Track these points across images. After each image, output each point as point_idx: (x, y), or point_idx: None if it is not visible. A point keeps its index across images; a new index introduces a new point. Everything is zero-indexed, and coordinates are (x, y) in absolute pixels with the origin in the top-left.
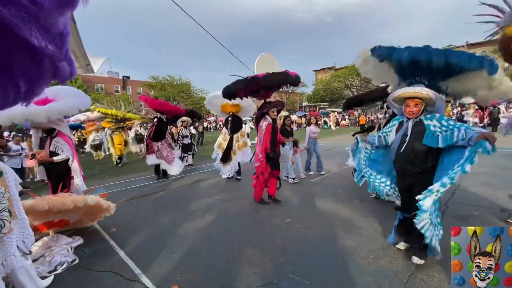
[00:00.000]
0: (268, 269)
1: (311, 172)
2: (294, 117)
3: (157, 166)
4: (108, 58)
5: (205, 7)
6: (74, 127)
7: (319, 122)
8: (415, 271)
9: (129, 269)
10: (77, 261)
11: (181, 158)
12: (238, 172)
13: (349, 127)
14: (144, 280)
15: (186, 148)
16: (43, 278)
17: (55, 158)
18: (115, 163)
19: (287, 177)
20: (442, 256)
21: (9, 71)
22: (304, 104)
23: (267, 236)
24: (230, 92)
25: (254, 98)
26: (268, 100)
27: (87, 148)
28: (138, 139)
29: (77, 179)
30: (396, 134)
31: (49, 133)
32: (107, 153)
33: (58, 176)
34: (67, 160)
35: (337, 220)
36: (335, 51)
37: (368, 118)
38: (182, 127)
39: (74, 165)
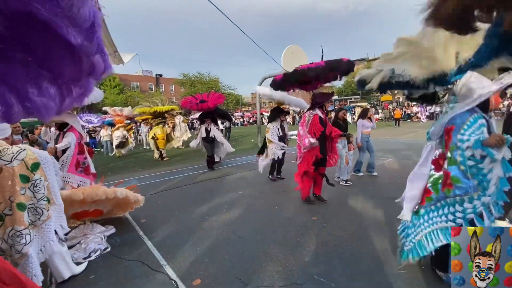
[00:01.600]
0: (292, 269)
1: (361, 174)
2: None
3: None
4: (137, 54)
5: (233, 1)
6: (110, 124)
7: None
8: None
9: (155, 260)
10: (109, 249)
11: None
12: (278, 171)
13: (382, 121)
14: (168, 271)
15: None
16: (78, 264)
17: (58, 146)
18: (156, 157)
19: (339, 178)
20: None
21: (52, 72)
22: (334, 98)
23: (292, 234)
24: (278, 85)
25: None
26: (316, 91)
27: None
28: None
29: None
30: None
31: (61, 128)
32: (148, 147)
33: None
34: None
35: (367, 220)
36: (368, 42)
37: (404, 111)
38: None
39: (68, 157)
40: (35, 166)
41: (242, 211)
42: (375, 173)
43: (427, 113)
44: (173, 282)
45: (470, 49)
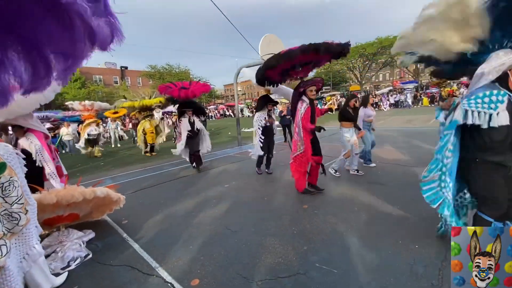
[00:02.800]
0: (292, 259)
1: (373, 165)
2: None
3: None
4: None
5: None
6: (77, 121)
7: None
8: (449, 256)
9: (145, 262)
10: (90, 255)
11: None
12: (268, 164)
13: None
14: (162, 273)
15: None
16: (56, 275)
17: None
18: (143, 152)
19: (349, 167)
20: None
21: (33, 39)
22: None
23: (286, 224)
24: (262, 77)
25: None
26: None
27: (80, 144)
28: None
29: (54, 182)
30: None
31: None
32: (117, 146)
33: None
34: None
35: (357, 205)
36: (337, 33)
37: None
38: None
39: (49, 166)
40: (0, 167)
41: (231, 205)
42: (372, 164)
43: (389, 102)
44: (169, 284)
45: None
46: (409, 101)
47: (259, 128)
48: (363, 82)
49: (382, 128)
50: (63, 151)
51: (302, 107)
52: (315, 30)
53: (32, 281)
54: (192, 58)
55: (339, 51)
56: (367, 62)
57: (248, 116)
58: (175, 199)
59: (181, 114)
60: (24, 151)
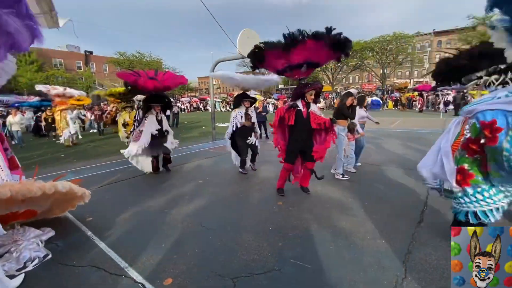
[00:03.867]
0: (268, 255)
1: (358, 164)
2: (271, 100)
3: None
4: (71, 20)
5: None
6: (36, 106)
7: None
8: (412, 249)
9: (113, 262)
10: (50, 256)
11: None
12: (253, 160)
13: (323, 110)
14: (132, 274)
15: None
16: (11, 277)
17: None
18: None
19: (335, 171)
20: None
21: None
22: (280, 86)
23: (261, 221)
24: (259, 55)
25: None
26: (303, 80)
27: (66, 133)
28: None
29: (2, 174)
30: None
31: None
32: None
33: None
34: None
35: (328, 202)
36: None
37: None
38: (139, 110)
39: None
40: None
41: (206, 201)
42: (358, 164)
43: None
44: (139, 285)
45: None
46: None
47: (232, 126)
48: (335, 83)
49: None
50: (13, 142)
51: (287, 107)
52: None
53: None
54: (164, 48)
55: (346, 51)
56: (339, 64)
57: (221, 110)
58: (145, 195)
59: (147, 109)
60: None
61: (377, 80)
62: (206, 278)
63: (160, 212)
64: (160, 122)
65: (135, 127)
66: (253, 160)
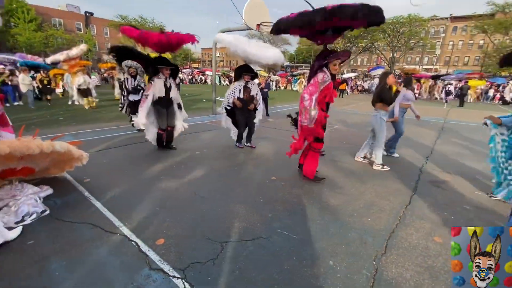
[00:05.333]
0: (257, 224)
1: (396, 155)
2: (275, 77)
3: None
4: None
5: None
6: (33, 66)
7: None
8: (396, 229)
9: (108, 221)
10: (48, 212)
11: (130, 121)
12: (249, 139)
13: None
14: (125, 232)
15: (134, 107)
16: (9, 229)
17: None
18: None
19: (373, 159)
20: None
21: None
22: (285, 64)
23: (254, 193)
24: (286, 26)
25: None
26: (328, 47)
27: (65, 93)
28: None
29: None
30: None
31: None
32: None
33: None
34: None
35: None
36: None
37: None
38: (128, 76)
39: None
40: None
41: (201, 172)
42: (396, 155)
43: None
44: (132, 243)
45: None
46: (374, 87)
47: (228, 99)
48: (342, 64)
49: (352, 111)
50: (20, 103)
51: (324, 80)
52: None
53: None
54: (168, 14)
55: (379, 21)
56: (348, 45)
57: (221, 84)
58: (143, 162)
59: (154, 73)
60: None
61: (385, 64)
62: (196, 241)
63: (156, 178)
64: (168, 89)
65: (123, 95)
66: (249, 139)
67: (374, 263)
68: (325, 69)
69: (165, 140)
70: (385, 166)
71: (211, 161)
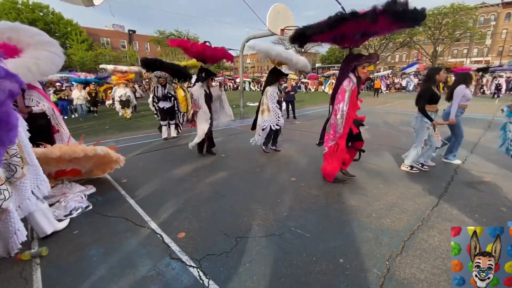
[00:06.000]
0: (272, 222)
1: (457, 161)
2: (305, 80)
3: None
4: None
5: None
6: (85, 82)
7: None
8: (417, 230)
9: (139, 216)
10: (90, 207)
11: (159, 129)
12: (274, 142)
13: (362, 90)
14: (152, 226)
15: (164, 114)
16: (59, 221)
17: (34, 109)
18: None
19: (418, 163)
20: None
21: None
22: (317, 65)
23: (272, 193)
24: (304, 35)
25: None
26: (355, 51)
27: (114, 104)
28: None
29: (65, 132)
30: None
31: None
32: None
33: (37, 132)
34: (45, 114)
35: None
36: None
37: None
38: (158, 85)
39: (57, 117)
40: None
41: (224, 173)
42: (455, 161)
43: (415, 84)
44: (158, 235)
45: None
46: (411, 85)
47: (274, 104)
48: (378, 62)
49: (386, 110)
50: (72, 116)
51: (349, 87)
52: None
53: (36, 224)
54: (201, 26)
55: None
56: (384, 41)
57: (251, 90)
58: (172, 164)
59: (203, 79)
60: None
61: (427, 59)
62: (213, 235)
63: (183, 179)
64: (209, 97)
65: (156, 104)
66: (275, 142)
67: (387, 263)
68: (350, 74)
69: (209, 145)
70: (414, 169)
71: (234, 163)
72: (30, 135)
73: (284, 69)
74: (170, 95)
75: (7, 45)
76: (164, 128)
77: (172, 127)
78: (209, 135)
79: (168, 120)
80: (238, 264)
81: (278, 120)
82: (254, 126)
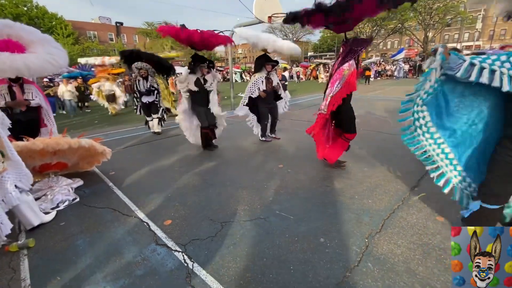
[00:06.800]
0: (257, 207)
1: None
2: (297, 69)
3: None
4: None
5: None
6: (72, 77)
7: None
8: (397, 209)
9: (126, 206)
10: (77, 199)
11: (146, 124)
12: (272, 129)
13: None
14: (139, 215)
15: (147, 110)
16: (46, 214)
17: (32, 102)
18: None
19: None
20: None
21: None
22: (309, 54)
23: (259, 180)
24: (299, 16)
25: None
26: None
27: (95, 98)
28: None
29: (53, 128)
30: None
31: (16, 80)
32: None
33: (28, 126)
34: (37, 108)
35: (328, 165)
36: None
37: (376, 70)
38: (139, 78)
39: (49, 111)
40: None
41: (213, 162)
42: None
43: (405, 70)
44: (145, 223)
45: None
46: (400, 72)
47: (251, 93)
48: (369, 49)
49: (378, 97)
50: (61, 112)
51: (347, 69)
52: None
53: (23, 217)
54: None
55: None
56: (375, 28)
57: (244, 80)
58: (162, 156)
59: (192, 70)
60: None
61: (418, 45)
62: (199, 221)
63: (171, 169)
64: (203, 86)
65: (135, 97)
66: (273, 130)
67: (366, 240)
68: (352, 60)
69: (210, 139)
70: None
71: (223, 152)
72: (11, 128)
73: (275, 57)
74: (153, 88)
75: (12, 41)
76: (150, 123)
77: (155, 121)
78: (212, 129)
79: (151, 115)
80: (222, 247)
81: (252, 93)
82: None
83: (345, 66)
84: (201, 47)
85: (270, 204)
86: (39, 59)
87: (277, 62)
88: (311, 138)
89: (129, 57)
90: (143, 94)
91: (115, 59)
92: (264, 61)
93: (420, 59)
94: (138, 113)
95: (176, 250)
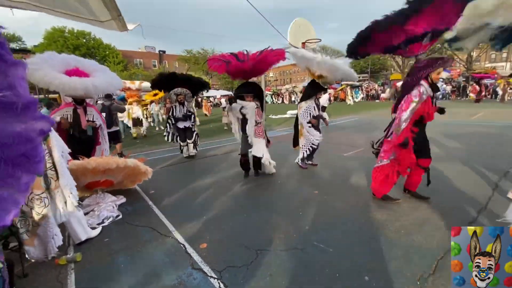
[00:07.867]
0: (293, 235)
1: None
2: (329, 91)
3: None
4: (140, 24)
5: None
6: (122, 100)
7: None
8: None
9: (164, 226)
10: (120, 216)
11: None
12: (310, 156)
13: (390, 100)
14: (177, 236)
15: (183, 134)
16: (93, 228)
17: (97, 122)
18: None
19: None
20: None
21: None
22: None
23: (294, 206)
24: (361, 42)
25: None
26: (417, 55)
27: (125, 120)
28: None
29: (106, 145)
30: None
31: (81, 103)
32: (160, 128)
33: (86, 143)
34: (97, 128)
35: (368, 193)
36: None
37: None
38: (177, 104)
39: (104, 133)
40: (47, 136)
41: (246, 185)
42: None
43: (447, 92)
44: (181, 245)
45: None
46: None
47: (309, 124)
48: (406, 70)
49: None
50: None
51: (417, 99)
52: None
53: (73, 231)
54: (226, 44)
55: None
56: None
57: (274, 102)
58: (197, 177)
59: (236, 98)
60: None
61: (461, 65)
62: (234, 247)
63: (207, 191)
64: (244, 115)
65: (170, 124)
66: (311, 157)
67: (418, 283)
68: (422, 81)
69: (247, 168)
70: None
71: (257, 176)
72: (70, 151)
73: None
74: (190, 113)
75: (79, 69)
76: (185, 149)
77: (191, 146)
78: (246, 159)
79: (186, 140)
80: (258, 277)
81: (315, 140)
82: (295, 143)
83: (414, 93)
84: (250, 76)
85: (307, 234)
86: (102, 81)
87: (327, 89)
88: (346, 162)
89: (165, 82)
90: (178, 120)
91: (138, 84)
92: (317, 90)
93: (464, 79)
94: (168, 140)
95: (211, 277)
